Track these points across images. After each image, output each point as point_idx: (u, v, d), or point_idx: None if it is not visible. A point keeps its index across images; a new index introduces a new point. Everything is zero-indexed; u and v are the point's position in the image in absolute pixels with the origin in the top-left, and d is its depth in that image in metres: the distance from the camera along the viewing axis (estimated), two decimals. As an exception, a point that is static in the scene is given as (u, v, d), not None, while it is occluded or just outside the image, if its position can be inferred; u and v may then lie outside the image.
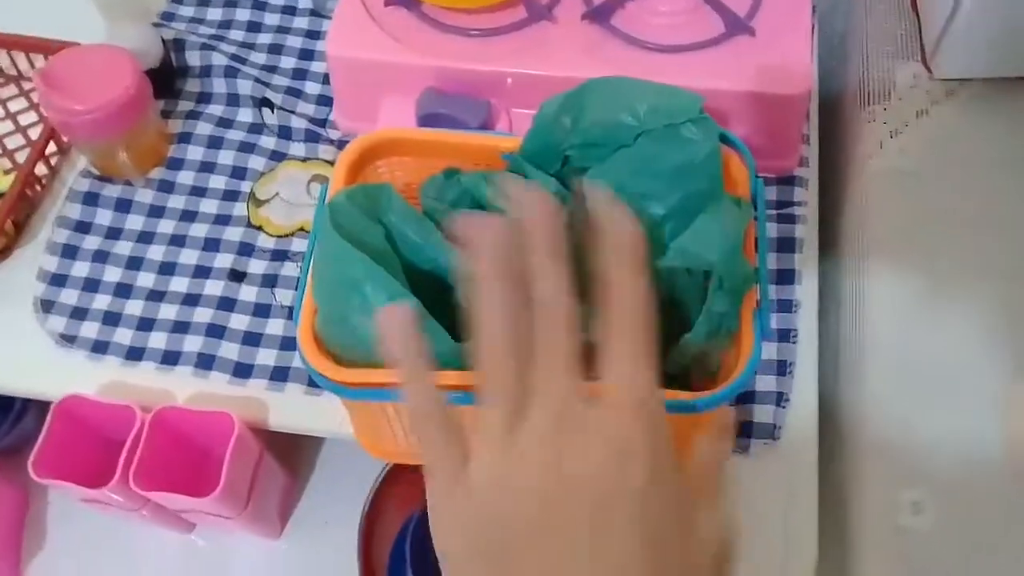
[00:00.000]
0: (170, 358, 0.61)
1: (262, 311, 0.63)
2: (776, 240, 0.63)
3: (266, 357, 0.61)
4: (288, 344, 0.62)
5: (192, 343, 0.62)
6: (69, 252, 0.66)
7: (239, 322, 0.62)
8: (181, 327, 0.62)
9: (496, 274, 0.35)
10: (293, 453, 0.71)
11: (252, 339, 0.62)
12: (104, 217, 0.67)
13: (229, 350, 0.61)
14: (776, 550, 0.55)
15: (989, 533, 0.51)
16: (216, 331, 0.62)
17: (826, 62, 0.72)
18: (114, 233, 0.67)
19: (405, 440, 0.53)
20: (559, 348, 0.34)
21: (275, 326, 0.62)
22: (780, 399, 0.58)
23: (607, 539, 0.32)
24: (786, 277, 0.62)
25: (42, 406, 0.61)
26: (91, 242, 0.66)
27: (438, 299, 0.47)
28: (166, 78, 0.72)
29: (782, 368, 0.59)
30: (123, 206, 0.68)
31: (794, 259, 0.63)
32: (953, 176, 0.61)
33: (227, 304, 0.63)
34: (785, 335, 0.60)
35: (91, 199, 0.68)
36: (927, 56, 0.65)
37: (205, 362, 0.61)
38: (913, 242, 0.59)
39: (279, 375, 0.61)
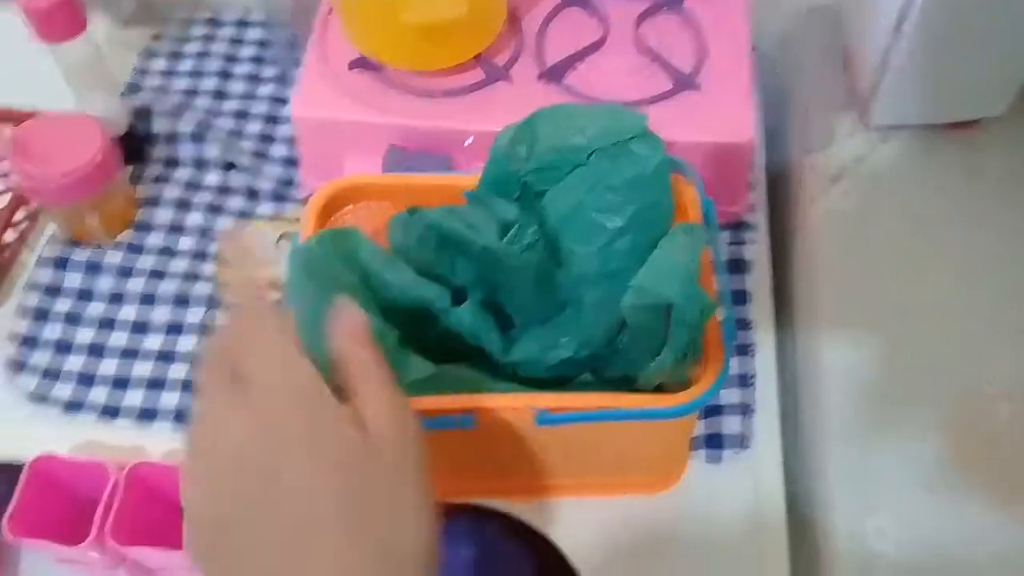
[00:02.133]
0: (147, 414, 0.62)
1: None
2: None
3: None
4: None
5: (169, 399, 0.62)
6: (40, 315, 0.66)
7: None
8: (157, 384, 0.63)
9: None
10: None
11: None
12: (74, 280, 0.68)
13: None
14: (748, 565, 0.57)
15: (949, 557, 0.53)
16: (191, 385, 0.63)
17: (769, 115, 0.76)
18: (85, 295, 0.68)
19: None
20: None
21: None
22: (745, 410, 0.61)
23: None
24: (739, 298, 0.66)
25: (11, 470, 0.60)
26: (62, 304, 0.67)
27: (417, 332, 0.49)
28: (134, 145, 0.74)
29: (744, 380, 0.63)
30: (93, 268, 0.69)
31: (745, 280, 0.67)
32: (892, 215, 0.65)
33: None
34: (744, 350, 0.64)
35: (61, 263, 0.69)
36: (861, 106, 0.69)
37: (183, 417, 0.61)
38: (857, 274, 0.63)
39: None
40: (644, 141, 0.51)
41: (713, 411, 0.61)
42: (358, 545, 0.35)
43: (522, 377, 0.51)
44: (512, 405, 0.49)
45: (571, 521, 0.58)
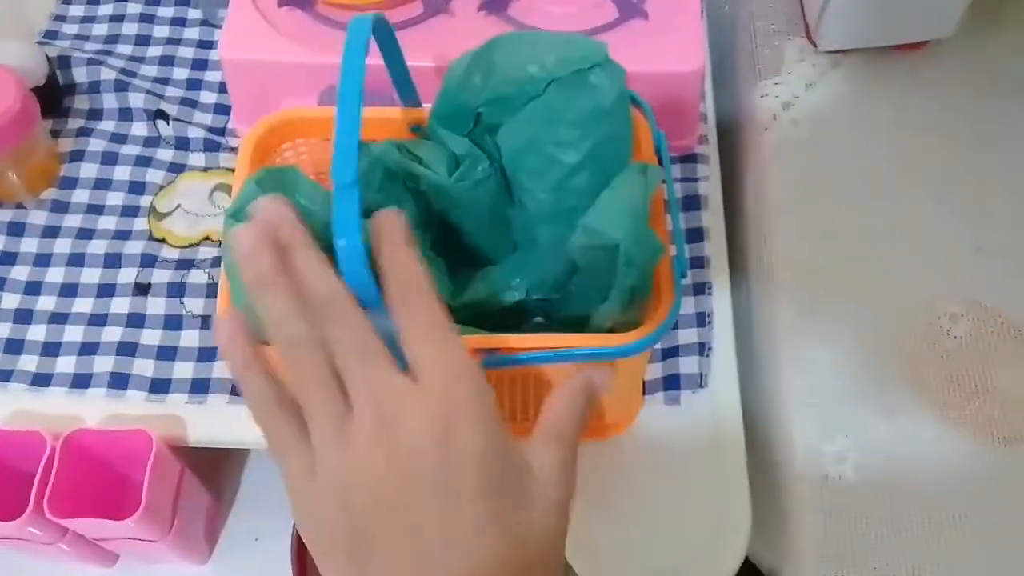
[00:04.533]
0: (81, 381, 0.59)
1: (173, 323, 0.61)
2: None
3: (183, 370, 0.59)
4: (205, 355, 0.60)
5: (103, 363, 0.59)
6: (-39, 281, 0.63)
7: (151, 337, 0.60)
8: (89, 348, 0.60)
9: (268, 282, 0.37)
10: (215, 471, 0.69)
11: (167, 353, 0.60)
12: (-4, 242, 0.65)
13: (143, 367, 0.59)
14: (709, 516, 0.56)
15: (909, 479, 0.53)
16: (127, 348, 0.60)
17: (717, 43, 0.74)
18: (8, 258, 0.64)
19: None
20: (355, 344, 0.36)
21: (189, 338, 0.61)
22: (703, 349, 0.60)
23: (453, 509, 0.34)
24: (695, 235, 0.64)
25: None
26: (-16, 269, 0.63)
27: None
28: (53, 96, 0.69)
29: (701, 320, 0.61)
30: (16, 229, 0.65)
31: (701, 217, 0.65)
32: (844, 142, 0.64)
33: (136, 320, 0.61)
34: (700, 288, 0.62)
35: (-19, 225, 0.65)
36: (811, 31, 0.67)
37: (119, 381, 0.59)
38: (810, 201, 0.62)
39: (199, 387, 0.59)
40: (604, 71, 0.48)
41: (671, 352, 0.60)
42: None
43: (473, 319, 0.49)
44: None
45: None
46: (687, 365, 0.59)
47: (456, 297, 0.49)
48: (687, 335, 0.60)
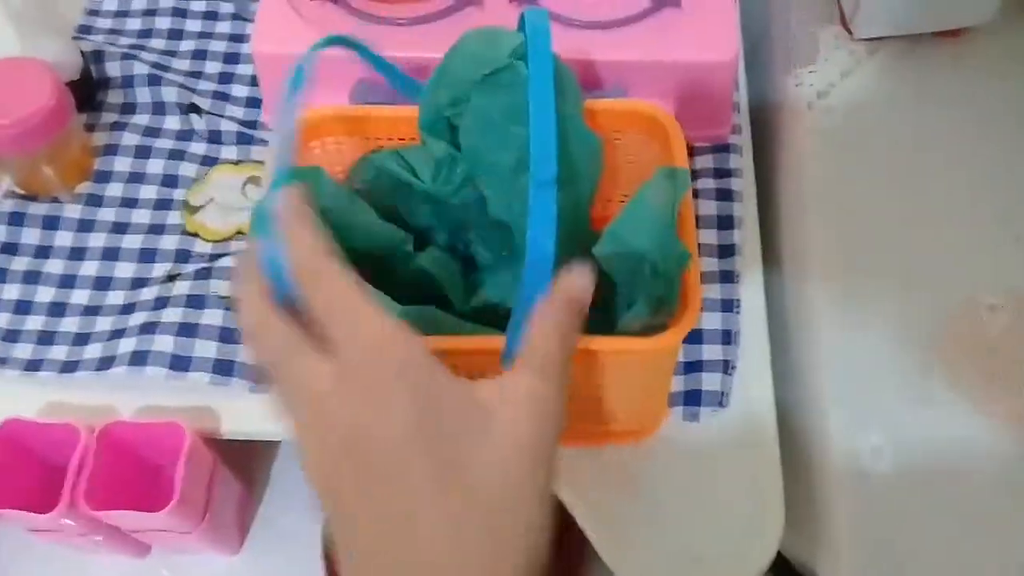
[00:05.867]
0: (105, 363, 0.59)
1: (196, 302, 0.60)
2: (717, 217, 0.63)
3: (205, 348, 0.59)
4: (228, 336, 0.59)
5: (126, 344, 0.59)
6: (-2, 275, 0.63)
7: (173, 315, 0.60)
8: (117, 334, 0.60)
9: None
10: (246, 462, 0.69)
11: (188, 330, 0.59)
12: (32, 236, 0.65)
13: (163, 343, 0.58)
14: (742, 511, 0.55)
15: (946, 474, 0.52)
16: (149, 328, 0.59)
17: (750, 31, 0.73)
18: (43, 252, 0.64)
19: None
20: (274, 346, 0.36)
21: (213, 316, 0.60)
22: (727, 367, 0.58)
23: (398, 481, 0.33)
24: (726, 250, 0.62)
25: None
26: (20, 263, 0.64)
27: (381, 277, 0.46)
28: (87, 90, 0.70)
29: (727, 337, 0.59)
30: (51, 223, 0.65)
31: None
32: (880, 130, 0.63)
33: (160, 302, 0.61)
34: (728, 305, 0.60)
35: (17, 219, 0.65)
36: (847, 18, 0.66)
37: (139, 359, 0.58)
38: (846, 192, 0.61)
39: (222, 368, 0.58)
40: (511, 70, 0.46)
41: (693, 367, 0.58)
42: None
43: (492, 321, 0.48)
44: (479, 347, 0.45)
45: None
46: (709, 382, 0.58)
47: (466, 303, 0.49)
48: (711, 351, 0.59)
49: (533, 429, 0.35)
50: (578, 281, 0.39)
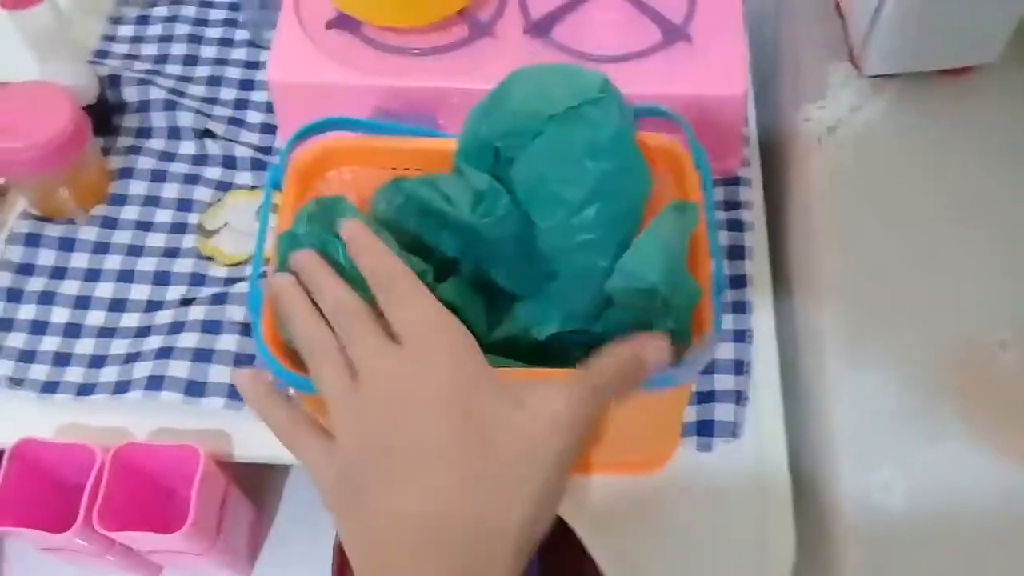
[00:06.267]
0: (121, 387, 0.59)
1: (212, 327, 0.61)
2: (727, 247, 0.65)
3: (220, 374, 0.59)
4: (243, 361, 0.60)
5: (142, 369, 0.60)
6: (14, 296, 0.64)
7: (188, 340, 0.60)
8: (132, 357, 0.61)
9: (292, 292, 0.44)
10: (258, 485, 0.70)
11: (203, 355, 0.60)
12: (48, 257, 0.66)
13: (179, 368, 0.59)
14: (753, 543, 0.55)
15: (958, 505, 0.52)
16: (165, 352, 0.60)
17: (760, 68, 0.75)
18: (59, 273, 0.65)
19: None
20: (357, 321, 0.41)
21: (227, 342, 0.61)
22: (739, 398, 0.59)
23: (430, 445, 0.38)
24: (737, 281, 0.63)
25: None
26: (36, 284, 0.65)
27: None
28: (104, 114, 0.71)
29: (739, 368, 0.60)
30: (67, 245, 0.66)
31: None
32: (889, 167, 0.64)
33: (176, 327, 0.61)
34: (741, 336, 0.61)
35: (33, 240, 0.66)
36: (855, 55, 0.67)
37: (155, 384, 0.59)
38: (854, 226, 0.61)
39: (236, 393, 0.58)
40: (598, 106, 0.47)
41: (706, 397, 0.59)
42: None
43: (514, 354, 0.49)
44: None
45: (570, 496, 0.57)
46: (722, 412, 0.59)
47: (488, 336, 0.49)
48: (723, 382, 0.60)
49: (567, 413, 0.39)
50: (653, 351, 0.43)
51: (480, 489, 0.37)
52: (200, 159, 0.70)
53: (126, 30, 0.78)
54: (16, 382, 0.60)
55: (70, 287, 0.65)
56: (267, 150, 0.71)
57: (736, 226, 0.65)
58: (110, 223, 0.67)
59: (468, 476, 0.37)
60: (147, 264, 0.65)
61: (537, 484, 0.38)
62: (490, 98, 0.50)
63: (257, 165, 0.70)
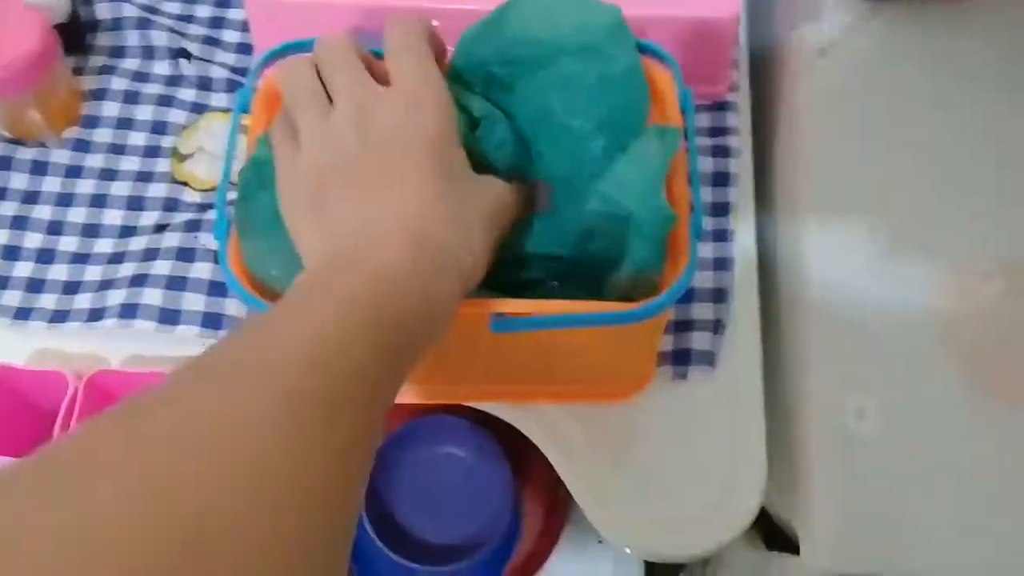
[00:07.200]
0: (95, 315, 0.59)
1: (185, 255, 0.60)
2: (711, 174, 0.63)
3: (194, 302, 0.59)
4: (216, 289, 0.59)
5: (116, 297, 0.59)
6: (-15, 221, 0.63)
7: (162, 268, 0.59)
8: (106, 284, 0.60)
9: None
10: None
11: (177, 283, 0.59)
12: (20, 181, 0.64)
13: (153, 296, 0.58)
14: (725, 469, 0.55)
15: (932, 435, 0.52)
16: (139, 280, 0.59)
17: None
18: (31, 197, 0.64)
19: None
20: (348, 67, 0.44)
21: (201, 269, 0.60)
22: (717, 326, 0.58)
23: (405, 164, 0.42)
24: (721, 209, 0.62)
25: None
26: (8, 208, 0.63)
27: None
28: (75, 33, 0.68)
29: (718, 296, 0.59)
30: (39, 168, 0.65)
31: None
32: (881, 92, 0.62)
33: (150, 254, 0.60)
34: (721, 263, 0.60)
35: (4, 163, 0.65)
36: (851, -26, 0.65)
37: (128, 311, 0.58)
38: (843, 153, 0.60)
39: (210, 321, 0.58)
40: (614, 39, 0.47)
41: (683, 326, 0.58)
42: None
43: (485, 282, 0.48)
44: (468, 311, 0.45)
45: (544, 424, 0.56)
46: (699, 341, 0.58)
47: None
48: (701, 310, 0.59)
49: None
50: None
51: (446, 207, 0.42)
52: (175, 80, 0.68)
53: (98, -56, 0.75)
54: (-13, 308, 0.60)
55: (42, 211, 0.63)
56: (243, 71, 0.68)
57: (722, 152, 0.63)
58: (83, 146, 0.66)
59: (440, 192, 0.42)
60: (121, 189, 0.64)
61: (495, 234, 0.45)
62: (488, 21, 0.49)
63: (233, 87, 0.68)
